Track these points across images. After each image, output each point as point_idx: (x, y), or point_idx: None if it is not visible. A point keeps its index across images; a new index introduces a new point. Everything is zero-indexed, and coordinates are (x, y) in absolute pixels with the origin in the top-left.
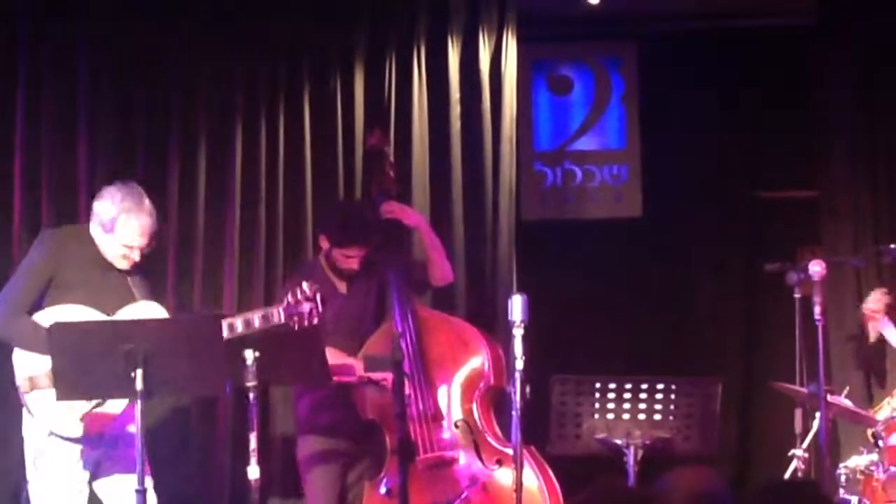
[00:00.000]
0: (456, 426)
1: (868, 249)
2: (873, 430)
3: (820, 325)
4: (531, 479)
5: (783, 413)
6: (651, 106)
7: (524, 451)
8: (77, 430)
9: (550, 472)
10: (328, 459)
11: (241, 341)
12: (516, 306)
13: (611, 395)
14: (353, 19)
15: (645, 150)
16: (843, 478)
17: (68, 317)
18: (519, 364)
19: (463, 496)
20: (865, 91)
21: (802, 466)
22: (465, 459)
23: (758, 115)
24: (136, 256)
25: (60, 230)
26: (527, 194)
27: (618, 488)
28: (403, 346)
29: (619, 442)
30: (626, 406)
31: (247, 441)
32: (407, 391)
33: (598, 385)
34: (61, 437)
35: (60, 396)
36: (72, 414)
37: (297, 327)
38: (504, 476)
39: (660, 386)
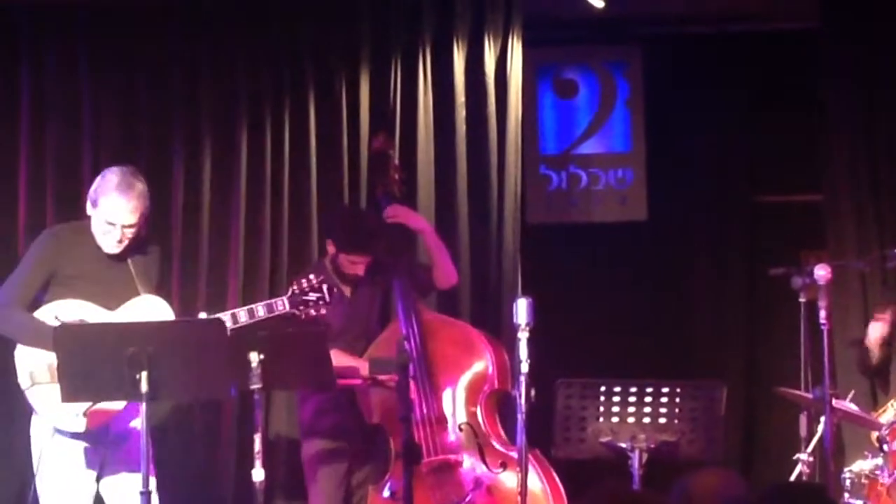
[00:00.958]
0: (460, 429)
1: (873, 253)
2: (878, 434)
3: (825, 329)
4: (535, 482)
5: (788, 417)
6: (656, 110)
7: (530, 455)
8: (80, 426)
9: (555, 476)
10: (332, 462)
11: (246, 344)
12: (521, 309)
13: (616, 399)
14: (359, 23)
15: (650, 153)
16: (847, 482)
17: (68, 312)
18: (524, 367)
19: (467, 499)
20: (869, 94)
21: (807, 470)
22: (469, 463)
23: (762, 119)
24: (120, 237)
25: (61, 227)
26: (532, 197)
27: (624, 493)
28: (409, 349)
29: (623, 445)
30: (631, 410)
31: (251, 443)
32: (411, 394)
33: (602, 388)
34: (65, 434)
35: (65, 398)
36: (74, 409)
37: (303, 317)
38: (508, 479)
39: (665, 390)
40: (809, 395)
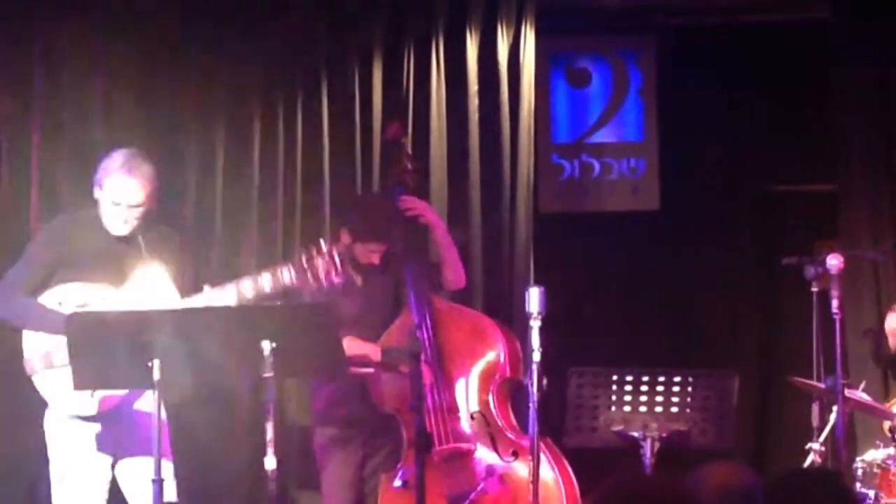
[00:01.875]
0: (472, 418)
1: (886, 243)
2: (890, 423)
3: (837, 318)
4: (547, 471)
5: (800, 407)
6: (669, 99)
7: (542, 444)
8: (92, 408)
9: (567, 465)
10: (345, 451)
11: (258, 332)
12: (533, 298)
13: (627, 388)
14: (372, 11)
15: (662, 143)
16: (859, 472)
17: (72, 296)
18: (536, 356)
19: (479, 488)
20: (883, 83)
21: (819, 460)
22: (481, 451)
23: (775, 109)
24: (126, 217)
25: (68, 214)
26: (544, 187)
27: (646, 481)
28: (421, 337)
29: (635, 434)
30: (643, 399)
31: (263, 431)
32: (423, 383)
33: (615, 377)
34: (79, 418)
35: (77, 386)
36: (84, 392)
37: (314, 285)
38: (520, 468)
39: (677, 379)
40: (822, 385)
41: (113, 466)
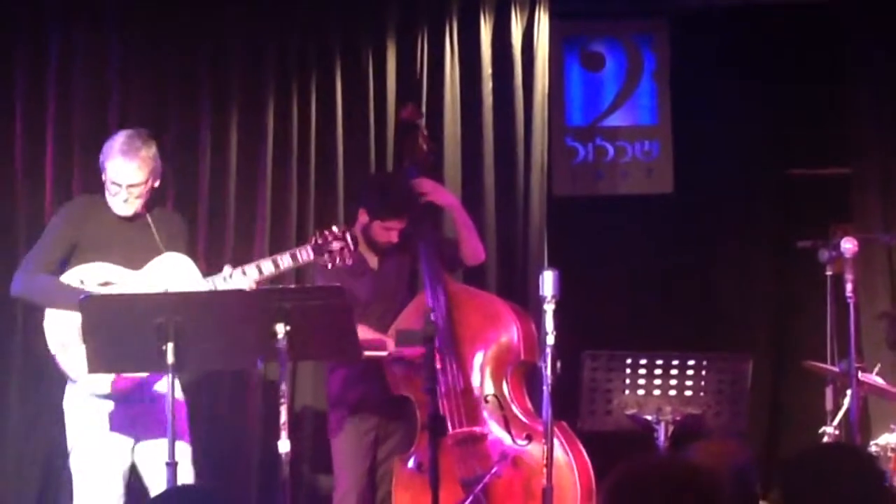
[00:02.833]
0: (486, 401)
1: None
2: None
3: (851, 302)
4: (561, 455)
5: (814, 390)
6: (682, 82)
7: (556, 428)
8: (105, 387)
9: (581, 448)
10: (358, 435)
11: (273, 315)
12: (547, 281)
13: (642, 371)
14: None
15: (676, 126)
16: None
17: (93, 275)
18: (550, 339)
19: (493, 471)
20: None
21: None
22: (495, 435)
23: (789, 92)
24: (126, 196)
25: (84, 196)
26: (558, 170)
27: (665, 462)
28: (435, 320)
29: (649, 418)
30: (657, 382)
31: (277, 414)
32: (437, 366)
33: (629, 361)
34: (100, 397)
35: (91, 369)
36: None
37: (330, 265)
38: (534, 452)
39: (691, 362)
40: (835, 369)
41: (132, 449)
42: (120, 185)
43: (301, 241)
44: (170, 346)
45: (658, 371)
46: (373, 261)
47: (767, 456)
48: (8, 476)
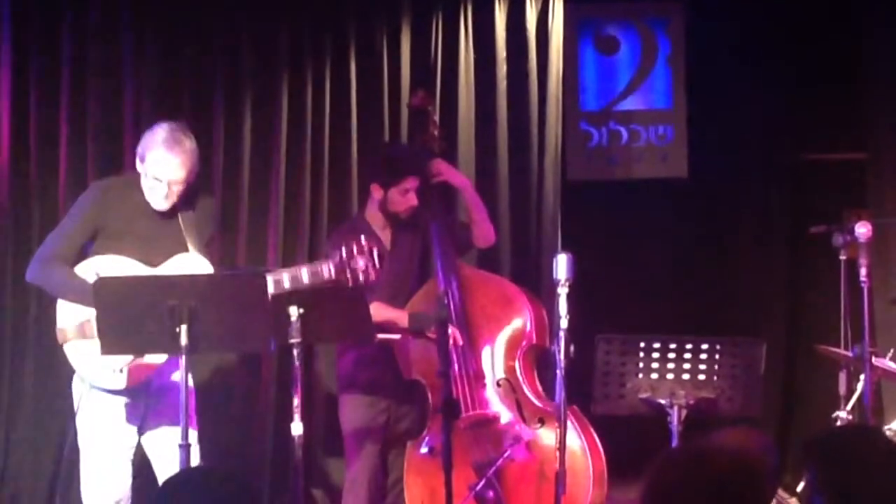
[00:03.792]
0: (499, 385)
1: None
2: None
3: (865, 286)
4: (574, 439)
5: (827, 375)
6: (697, 67)
7: (569, 412)
8: (121, 383)
9: (593, 433)
10: (370, 418)
11: (287, 298)
12: (561, 265)
13: (655, 355)
14: None
15: (691, 110)
16: None
17: (108, 268)
18: (563, 323)
19: (505, 455)
20: None
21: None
22: (507, 418)
23: (804, 76)
24: (167, 193)
25: (110, 180)
26: (572, 154)
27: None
28: (448, 304)
29: (662, 402)
30: (671, 366)
31: (290, 397)
32: (453, 350)
33: (642, 344)
34: (101, 390)
35: (105, 351)
36: (112, 365)
37: (350, 283)
38: (546, 436)
39: (704, 346)
40: (849, 353)
41: (140, 434)
42: (161, 180)
43: (314, 232)
44: (183, 328)
45: (672, 355)
46: (386, 240)
47: (781, 440)
48: (23, 458)
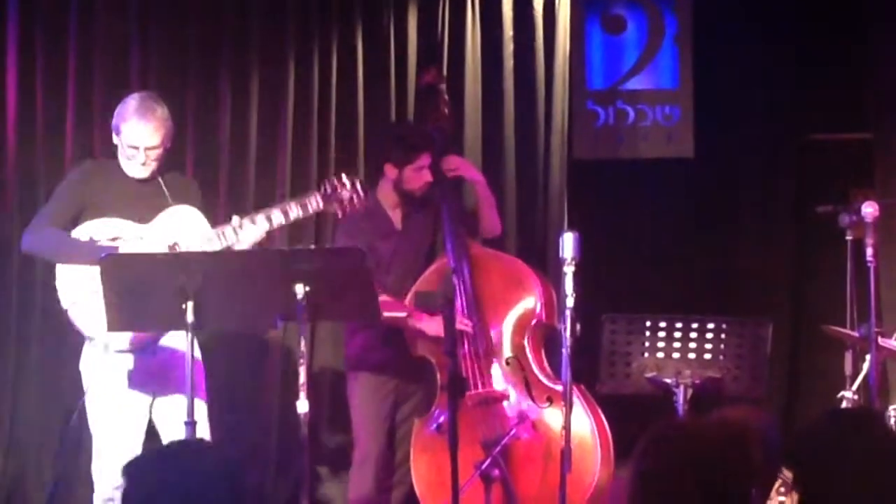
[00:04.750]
0: (507, 363)
1: None
2: None
3: (871, 267)
4: (583, 419)
5: (833, 355)
6: (704, 46)
7: (576, 390)
8: (124, 342)
9: (600, 412)
10: (378, 396)
11: (292, 276)
12: (567, 244)
13: (661, 334)
14: None
15: (697, 90)
16: (892, 420)
17: (102, 230)
18: (570, 301)
19: (512, 433)
20: None
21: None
22: (514, 396)
23: (811, 56)
24: (144, 160)
25: (94, 160)
26: (579, 133)
27: (695, 424)
28: (457, 282)
29: (668, 381)
30: (677, 345)
31: (296, 375)
32: (461, 328)
33: (648, 324)
34: (116, 351)
35: (111, 328)
36: None
37: (340, 214)
38: (555, 414)
39: (710, 325)
40: (855, 334)
41: (150, 405)
42: (137, 148)
43: (321, 212)
44: (189, 305)
45: (678, 334)
46: (397, 221)
47: (786, 420)
48: (29, 431)
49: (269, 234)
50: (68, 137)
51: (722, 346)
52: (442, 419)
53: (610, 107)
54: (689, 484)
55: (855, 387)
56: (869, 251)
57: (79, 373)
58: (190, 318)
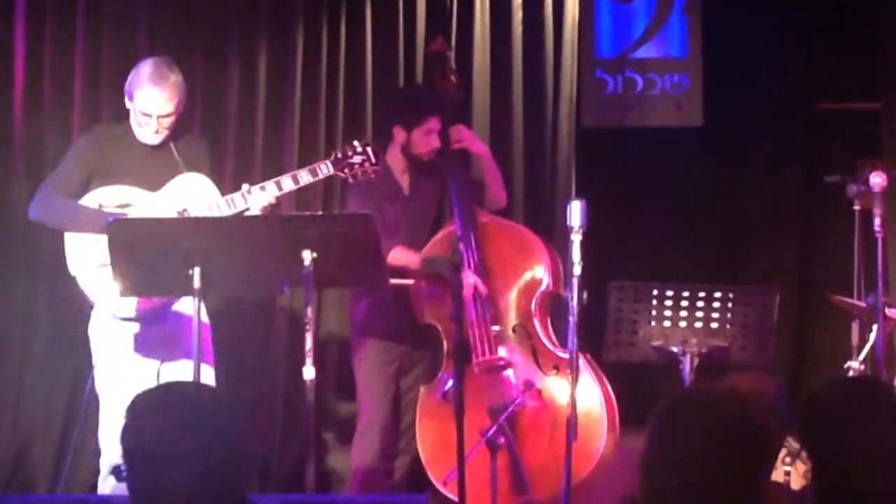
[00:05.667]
0: (514, 331)
1: None
2: None
3: (879, 236)
4: (591, 386)
5: (840, 325)
6: (713, 15)
7: (582, 358)
8: (130, 310)
9: (606, 381)
10: (383, 362)
11: (299, 241)
12: (575, 212)
13: (668, 303)
14: None
15: (706, 59)
16: None
17: (111, 197)
18: (577, 270)
19: (518, 401)
20: None
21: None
22: (521, 364)
23: (820, 25)
24: (157, 127)
25: (105, 126)
26: (587, 101)
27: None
28: (465, 249)
29: (675, 350)
30: (683, 314)
31: (302, 341)
32: (468, 294)
33: (655, 292)
34: (122, 319)
35: (123, 293)
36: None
37: (351, 179)
38: (561, 383)
39: (717, 294)
40: (862, 304)
41: (158, 370)
42: (150, 116)
43: (329, 177)
44: (196, 271)
45: (684, 303)
46: (406, 186)
47: (792, 389)
48: (35, 403)
49: (278, 200)
50: (76, 104)
51: (729, 314)
52: (448, 386)
53: (619, 75)
54: (707, 449)
55: (861, 357)
56: (877, 221)
57: (87, 340)
58: (197, 283)
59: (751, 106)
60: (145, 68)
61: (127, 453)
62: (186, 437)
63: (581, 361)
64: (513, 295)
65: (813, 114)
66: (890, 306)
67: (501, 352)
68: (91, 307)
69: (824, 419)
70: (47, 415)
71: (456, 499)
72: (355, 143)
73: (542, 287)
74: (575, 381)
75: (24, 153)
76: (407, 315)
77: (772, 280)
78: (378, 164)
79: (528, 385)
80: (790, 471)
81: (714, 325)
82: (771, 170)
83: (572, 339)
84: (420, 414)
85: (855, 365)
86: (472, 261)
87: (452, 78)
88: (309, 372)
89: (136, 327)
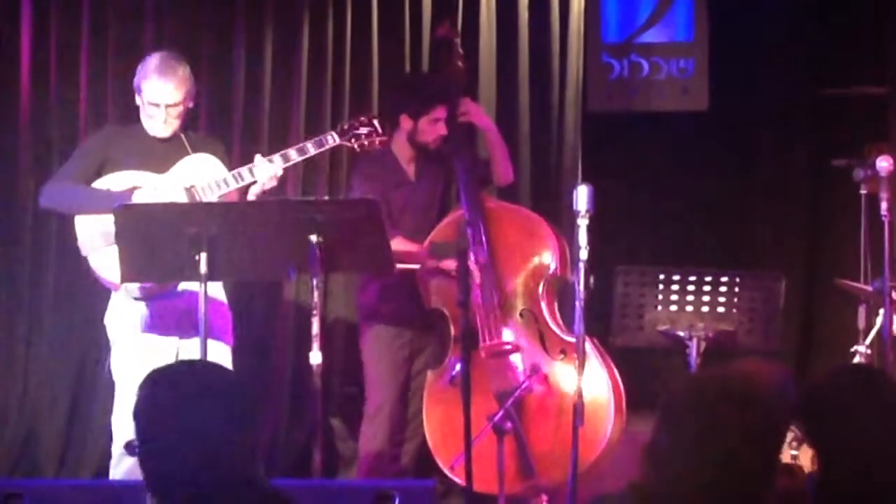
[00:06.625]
0: (521, 316)
1: None
2: None
3: (886, 221)
4: (599, 371)
5: (846, 310)
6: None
7: (589, 343)
8: (134, 290)
9: (613, 366)
10: (392, 348)
11: (306, 227)
12: (581, 196)
13: (674, 287)
14: None
15: (712, 43)
16: None
17: (119, 182)
18: (583, 254)
19: (524, 386)
20: None
21: (865, 363)
22: (528, 349)
23: (826, 10)
24: (165, 117)
25: (116, 124)
26: (593, 86)
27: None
28: (472, 234)
29: (681, 334)
30: (690, 298)
31: (309, 326)
32: (477, 280)
33: (661, 277)
34: (135, 299)
35: (125, 279)
36: None
37: (358, 149)
38: (567, 367)
39: (724, 279)
40: (869, 288)
41: (177, 349)
42: (158, 106)
43: (333, 164)
44: (203, 256)
45: (691, 287)
46: (411, 174)
47: (799, 374)
48: (40, 389)
49: (282, 180)
50: (82, 100)
51: (735, 299)
52: (455, 371)
53: (624, 59)
54: (720, 433)
55: (868, 341)
56: (884, 205)
57: (94, 325)
58: (203, 268)
59: (757, 90)
60: (152, 61)
61: (139, 426)
62: (199, 412)
63: (588, 346)
64: (520, 279)
65: (820, 98)
66: None
67: (508, 336)
68: (105, 290)
69: (825, 409)
70: (53, 399)
71: (463, 483)
72: (362, 116)
73: (550, 271)
74: (582, 365)
75: (31, 146)
76: (415, 300)
77: (779, 264)
78: (384, 136)
79: (535, 370)
80: (797, 455)
81: (721, 309)
82: (777, 154)
83: (579, 324)
84: (427, 399)
85: (861, 349)
86: (481, 245)
87: (459, 63)
88: (315, 357)
89: (152, 307)
